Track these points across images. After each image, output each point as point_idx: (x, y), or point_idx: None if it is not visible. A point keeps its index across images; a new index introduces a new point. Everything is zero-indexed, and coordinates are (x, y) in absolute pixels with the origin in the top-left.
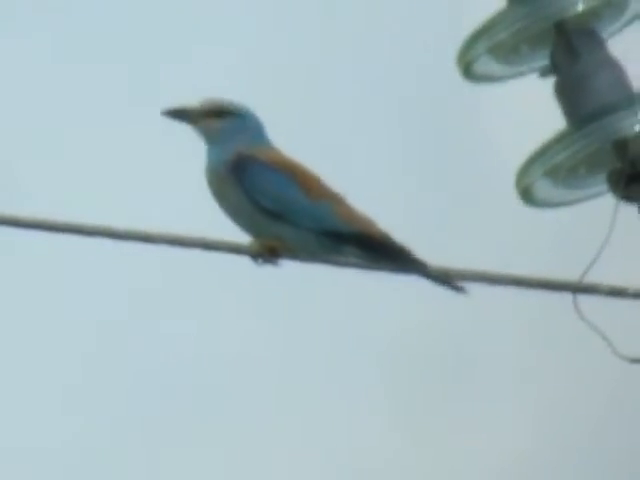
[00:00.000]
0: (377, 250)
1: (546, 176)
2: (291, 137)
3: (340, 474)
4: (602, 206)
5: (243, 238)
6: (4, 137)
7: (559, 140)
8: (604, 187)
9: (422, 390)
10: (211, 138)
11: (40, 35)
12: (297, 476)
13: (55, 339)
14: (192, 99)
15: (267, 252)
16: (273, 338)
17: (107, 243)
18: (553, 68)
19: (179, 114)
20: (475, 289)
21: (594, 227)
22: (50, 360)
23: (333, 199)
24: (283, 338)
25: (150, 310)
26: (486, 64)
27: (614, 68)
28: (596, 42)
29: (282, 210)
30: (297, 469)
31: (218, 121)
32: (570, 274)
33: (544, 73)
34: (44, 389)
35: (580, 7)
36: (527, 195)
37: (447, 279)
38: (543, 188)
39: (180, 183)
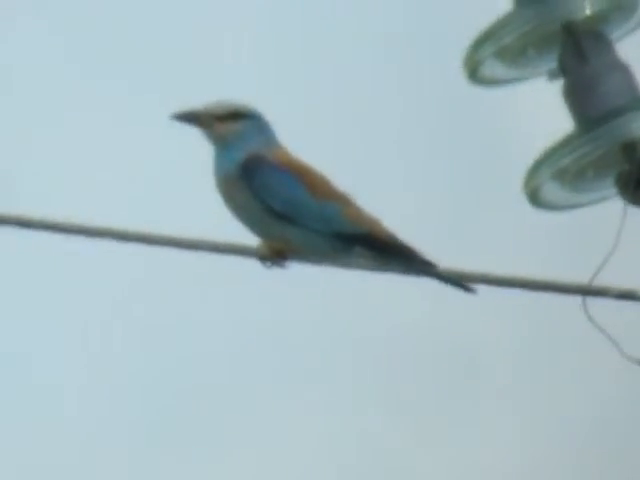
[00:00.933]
0: (385, 251)
1: (554, 179)
2: (303, 139)
3: (339, 473)
4: (611, 209)
5: (252, 240)
6: (4, 138)
7: (567, 143)
8: (612, 190)
9: (426, 391)
10: (224, 141)
11: (42, 35)
12: (294, 475)
13: (56, 339)
14: (197, 101)
15: (275, 254)
16: (275, 337)
17: (114, 245)
18: (561, 71)
19: (190, 118)
20: (484, 291)
21: (603, 230)
22: (50, 360)
23: (341, 200)
24: (284, 336)
25: (156, 312)
26: (493, 67)
27: (622, 71)
28: (604, 45)
29: (290, 212)
30: (294, 468)
31: (233, 124)
32: (579, 277)
33: (552, 76)
34: (45, 389)
35: (588, 10)
36: (535, 198)
37: (456, 279)
38: (551, 191)
39: (188, 185)
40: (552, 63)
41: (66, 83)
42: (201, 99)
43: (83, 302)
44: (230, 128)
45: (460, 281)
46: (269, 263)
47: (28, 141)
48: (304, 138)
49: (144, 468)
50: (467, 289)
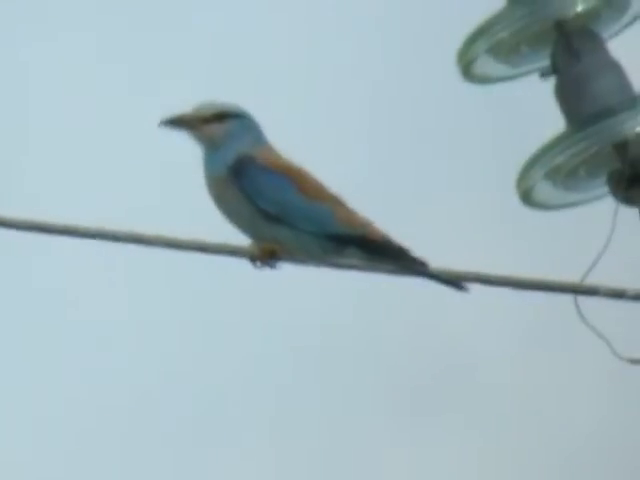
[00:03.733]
0: (377, 251)
1: (546, 178)
2: (295, 139)
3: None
4: (602, 208)
5: (243, 241)
6: (4, 137)
7: (559, 142)
8: (604, 189)
9: (420, 392)
10: (213, 143)
11: (41, 34)
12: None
13: (53, 341)
14: (185, 104)
15: (266, 255)
16: (269, 338)
17: (105, 246)
18: (553, 69)
19: (177, 122)
20: (476, 291)
21: (594, 229)
22: (49, 363)
23: (332, 201)
24: (279, 338)
25: (148, 312)
26: (486, 65)
27: (614, 70)
28: (596, 43)
29: (281, 213)
30: (292, 471)
31: (220, 125)
32: (571, 276)
33: (544, 74)
34: (44, 396)
35: (580, 7)
36: (527, 197)
37: (448, 277)
38: (543, 190)
39: (178, 186)
40: (545, 61)
41: (65, 83)
42: (192, 100)
43: (80, 302)
44: (217, 129)
45: (452, 280)
46: (259, 264)
47: (26, 141)
48: (296, 137)
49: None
50: (460, 288)
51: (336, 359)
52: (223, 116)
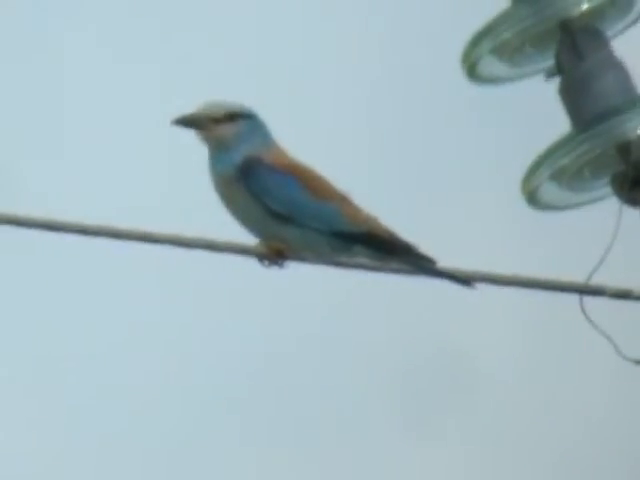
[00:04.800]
0: (385, 248)
1: (551, 179)
2: (301, 138)
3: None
4: (607, 209)
5: (251, 241)
6: (5, 136)
7: (564, 144)
8: (609, 190)
9: (425, 391)
10: (222, 143)
11: (44, 35)
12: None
13: (57, 338)
14: (190, 103)
15: (274, 254)
16: (272, 339)
17: (112, 244)
18: (558, 68)
19: (188, 122)
20: (482, 290)
21: (600, 230)
22: (52, 362)
23: (339, 200)
24: (283, 339)
25: (153, 312)
26: (490, 65)
27: (618, 69)
28: (601, 42)
29: (290, 212)
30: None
31: (230, 126)
32: (576, 276)
33: (549, 75)
34: (45, 394)
35: (584, 6)
36: (533, 198)
37: (455, 274)
38: (548, 191)
39: (186, 184)
40: (550, 61)
41: (66, 82)
42: (199, 98)
43: (84, 299)
44: (227, 129)
45: (459, 276)
46: (267, 262)
47: (29, 139)
48: (302, 137)
49: None
50: (467, 284)
51: (339, 357)
52: (234, 116)
